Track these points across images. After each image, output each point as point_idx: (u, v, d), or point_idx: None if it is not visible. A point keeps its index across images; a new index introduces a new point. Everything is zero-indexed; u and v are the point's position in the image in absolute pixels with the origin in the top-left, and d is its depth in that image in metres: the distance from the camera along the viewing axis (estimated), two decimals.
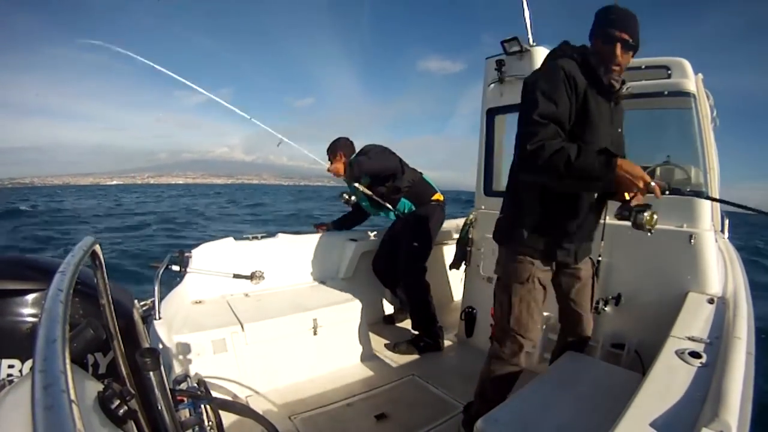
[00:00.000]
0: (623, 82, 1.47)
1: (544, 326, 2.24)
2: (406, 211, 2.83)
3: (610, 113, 1.46)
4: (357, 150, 2.86)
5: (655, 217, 1.32)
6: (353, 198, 2.94)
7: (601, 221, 1.74)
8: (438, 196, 2.88)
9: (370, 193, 2.77)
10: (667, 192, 1.31)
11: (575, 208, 1.47)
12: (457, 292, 3.28)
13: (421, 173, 2.95)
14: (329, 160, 2.90)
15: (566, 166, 1.25)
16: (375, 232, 3.17)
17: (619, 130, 1.50)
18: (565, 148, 1.26)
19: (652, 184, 1.23)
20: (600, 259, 1.96)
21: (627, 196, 1.34)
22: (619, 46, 1.39)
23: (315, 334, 2.39)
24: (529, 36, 2.24)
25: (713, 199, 1.86)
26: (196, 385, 1.24)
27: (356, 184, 2.75)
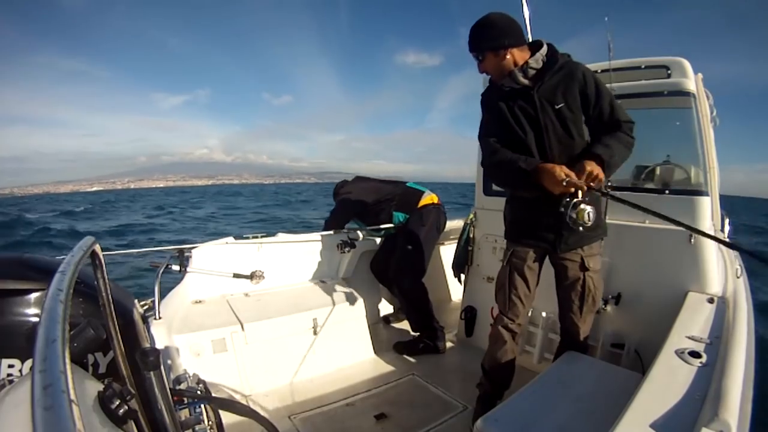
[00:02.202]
0: (524, 72, 1.59)
1: (545, 323, 2.24)
2: (402, 220, 2.84)
3: (534, 105, 1.57)
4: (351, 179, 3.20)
5: (587, 211, 1.40)
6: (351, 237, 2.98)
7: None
8: (429, 199, 2.87)
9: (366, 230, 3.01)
10: (604, 186, 1.51)
11: (528, 201, 1.65)
12: (457, 292, 3.28)
13: (405, 182, 3.00)
14: (336, 203, 3.14)
15: (502, 182, 1.73)
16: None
17: (558, 106, 1.55)
18: (499, 163, 1.58)
19: (565, 182, 1.39)
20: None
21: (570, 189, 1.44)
22: (477, 64, 1.65)
23: (315, 333, 2.39)
24: (529, 37, 2.23)
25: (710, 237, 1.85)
26: (195, 384, 1.24)
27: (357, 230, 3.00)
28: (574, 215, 1.40)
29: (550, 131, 1.56)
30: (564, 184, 1.39)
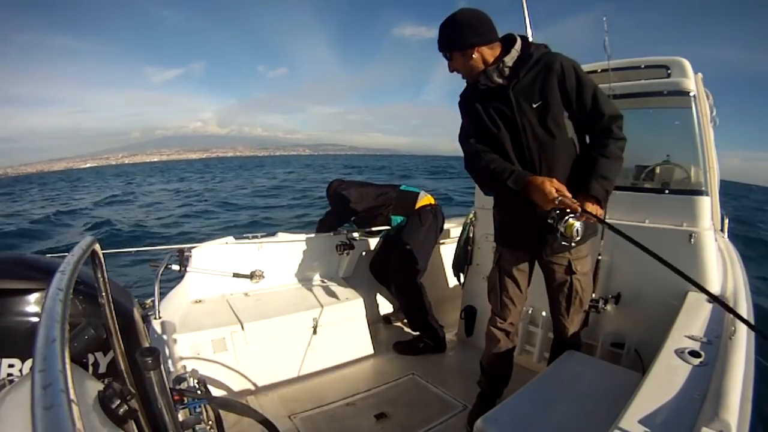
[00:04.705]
0: (499, 70, 1.53)
1: (545, 323, 2.24)
2: (400, 223, 2.84)
3: (510, 105, 1.52)
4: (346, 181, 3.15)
5: (576, 227, 1.33)
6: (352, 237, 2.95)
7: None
8: (426, 200, 2.86)
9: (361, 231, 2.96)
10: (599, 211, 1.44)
11: (514, 206, 1.60)
12: (457, 291, 3.28)
13: (398, 186, 3.00)
14: (330, 204, 3.12)
15: (488, 189, 1.68)
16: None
17: (535, 104, 1.48)
18: (484, 171, 1.53)
19: (557, 200, 1.34)
20: (600, 258, 1.96)
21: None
22: (447, 64, 1.59)
23: (315, 333, 2.39)
24: (529, 34, 2.24)
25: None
26: (195, 384, 1.24)
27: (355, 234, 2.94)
28: (562, 229, 1.34)
29: (527, 132, 1.50)
30: (556, 202, 1.34)
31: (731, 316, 1.53)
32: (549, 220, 1.37)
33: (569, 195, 1.36)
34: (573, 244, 1.40)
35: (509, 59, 1.52)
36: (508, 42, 1.55)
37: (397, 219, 2.84)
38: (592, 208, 1.39)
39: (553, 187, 1.36)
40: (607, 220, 1.85)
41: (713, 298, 1.30)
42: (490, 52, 1.52)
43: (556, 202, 1.34)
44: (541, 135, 1.50)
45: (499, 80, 1.52)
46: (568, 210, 1.33)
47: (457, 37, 1.51)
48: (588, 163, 1.48)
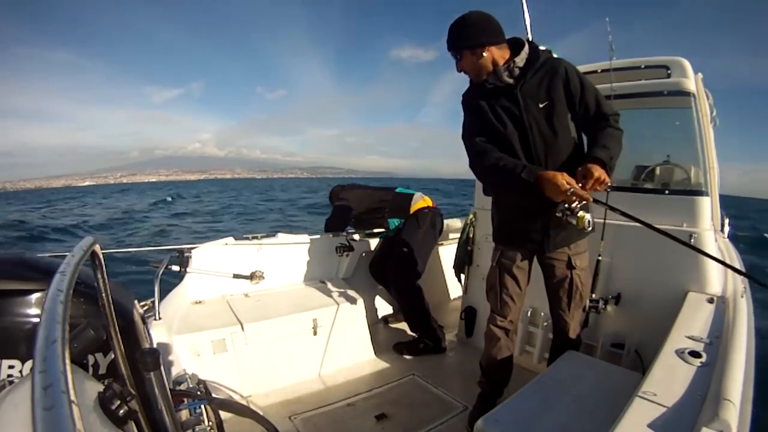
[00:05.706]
0: (509, 71, 1.57)
1: (545, 323, 2.24)
2: (398, 225, 2.85)
3: (518, 104, 1.56)
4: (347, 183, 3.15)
5: (587, 219, 1.42)
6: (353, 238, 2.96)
7: (600, 220, 1.78)
8: (423, 202, 2.87)
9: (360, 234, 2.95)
10: (608, 191, 1.54)
11: (515, 205, 1.67)
12: (457, 292, 3.28)
13: (394, 188, 3.01)
14: (331, 204, 3.07)
15: (495, 186, 1.72)
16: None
17: (542, 104, 1.54)
18: (493, 168, 1.54)
19: (569, 192, 1.38)
20: (600, 258, 1.97)
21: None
22: (455, 63, 1.62)
23: (315, 334, 2.39)
24: (529, 37, 2.23)
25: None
26: (195, 385, 1.24)
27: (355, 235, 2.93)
28: (573, 221, 1.41)
29: (534, 130, 1.55)
30: (569, 194, 1.39)
31: (731, 316, 1.53)
32: (558, 213, 1.44)
33: (578, 187, 1.41)
34: (586, 232, 1.48)
35: (520, 60, 1.57)
36: (515, 45, 1.60)
37: (394, 222, 2.85)
38: (598, 171, 1.41)
39: (564, 180, 1.40)
40: (607, 220, 1.88)
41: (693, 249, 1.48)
42: (499, 53, 1.56)
43: (569, 194, 1.39)
44: (546, 133, 1.55)
45: (509, 80, 1.57)
46: (577, 203, 1.41)
47: (468, 36, 1.55)
48: (589, 141, 1.56)
